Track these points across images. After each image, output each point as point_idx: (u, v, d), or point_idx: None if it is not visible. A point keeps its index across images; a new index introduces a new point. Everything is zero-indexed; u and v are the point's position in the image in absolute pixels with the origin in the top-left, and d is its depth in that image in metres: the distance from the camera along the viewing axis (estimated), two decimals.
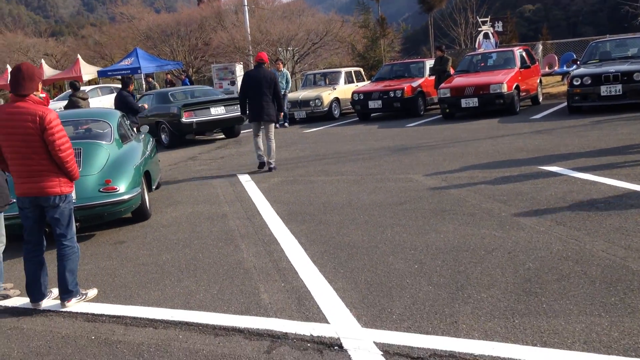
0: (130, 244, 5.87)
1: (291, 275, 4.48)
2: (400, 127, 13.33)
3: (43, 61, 36.72)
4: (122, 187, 6.20)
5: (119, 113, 7.44)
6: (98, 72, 33.10)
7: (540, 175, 6.99)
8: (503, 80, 12.93)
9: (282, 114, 11.48)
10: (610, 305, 3.44)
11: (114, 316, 4.05)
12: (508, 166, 7.70)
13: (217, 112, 13.51)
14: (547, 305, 3.52)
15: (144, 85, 25.66)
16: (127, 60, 32.04)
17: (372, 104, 15.00)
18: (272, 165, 9.29)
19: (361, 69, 19.44)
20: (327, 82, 17.70)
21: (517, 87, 13.31)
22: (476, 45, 20.43)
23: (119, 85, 31.05)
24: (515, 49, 14.95)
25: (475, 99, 13.00)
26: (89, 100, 25.51)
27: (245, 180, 8.72)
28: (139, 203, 6.47)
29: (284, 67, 14.51)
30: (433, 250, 4.73)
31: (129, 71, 31.47)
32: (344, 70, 18.01)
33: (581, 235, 4.71)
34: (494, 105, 13.01)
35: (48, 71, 35.62)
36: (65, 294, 4.32)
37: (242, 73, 13.57)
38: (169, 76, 32.01)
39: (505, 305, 3.60)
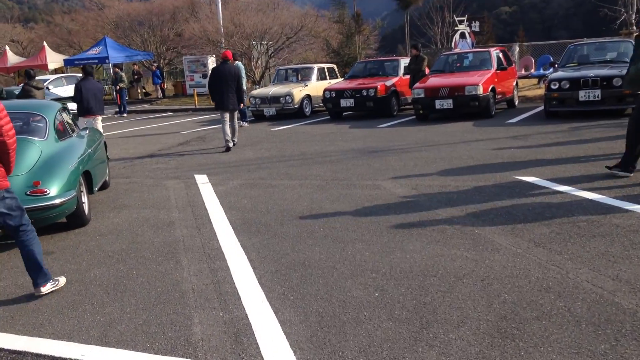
0: (59, 256, 5.18)
1: (233, 302, 3.87)
2: (372, 127, 12.78)
3: (7, 48, 35.30)
4: (54, 190, 5.51)
5: (57, 106, 6.71)
6: (64, 60, 31.91)
7: (516, 186, 6.49)
8: (479, 82, 12.47)
9: (243, 113, 13.33)
10: (600, 355, 2.91)
11: (13, 351, 3.39)
12: (482, 174, 7.19)
13: None
14: (525, 353, 2.98)
15: (112, 76, 24.67)
16: (95, 49, 30.93)
17: (344, 103, 14.42)
18: (234, 141, 11.19)
19: (334, 66, 18.86)
20: (299, 78, 17.08)
21: (493, 90, 12.87)
22: (452, 45, 20.02)
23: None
24: (492, 49, 14.52)
25: (450, 101, 12.51)
26: (49, 90, 24.50)
27: (203, 182, 8.06)
28: (73, 208, 5.78)
29: (236, 61, 13.68)
30: (397, 273, 4.17)
31: (97, 61, 30.44)
32: (316, 66, 17.40)
33: (563, 260, 4.19)
34: (469, 108, 12.55)
35: (12, 58, 34.30)
36: (41, 278, 4.20)
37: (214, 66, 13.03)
38: (136, 67, 31.07)
39: (477, 350, 3.04)
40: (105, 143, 8.27)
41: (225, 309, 3.77)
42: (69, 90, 27.51)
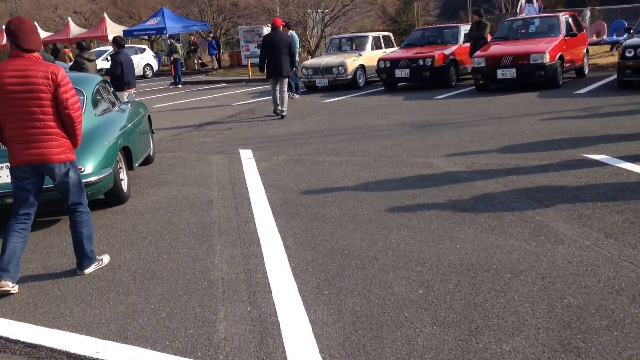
0: (93, 236, 5.00)
1: (262, 296, 3.56)
2: (428, 99, 12.15)
3: (70, 19, 36.05)
4: (89, 167, 5.33)
5: (97, 79, 6.52)
6: (124, 31, 32.24)
7: (585, 165, 5.87)
8: (545, 50, 11.59)
9: (294, 84, 13.38)
10: None
11: (29, 345, 3.19)
12: (546, 151, 6.58)
13: None
14: None
15: (167, 47, 24.74)
16: (152, 20, 31.11)
17: (399, 73, 13.79)
18: (284, 113, 11.11)
19: (391, 34, 18.11)
20: (353, 48, 16.49)
21: (561, 58, 11.94)
22: (517, 10, 18.84)
23: (144, 47, 30.43)
24: (560, 14, 13.47)
25: (513, 70, 11.70)
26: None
27: (247, 157, 7.78)
28: (110, 185, 5.60)
29: (290, 30, 13.36)
30: (445, 267, 3.74)
31: (155, 31, 30.76)
32: (371, 35, 16.73)
33: (638, 256, 3.65)
34: (534, 77, 11.71)
35: (74, 30, 34.99)
36: (85, 261, 4.15)
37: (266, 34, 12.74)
38: (192, 37, 31.10)
39: None
40: (149, 117, 8.10)
41: (253, 302, 3.47)
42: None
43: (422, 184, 5.74)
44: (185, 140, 9.56)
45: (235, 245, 4.49)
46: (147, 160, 7.70)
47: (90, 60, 11.34)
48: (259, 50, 11.69)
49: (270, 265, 4.02)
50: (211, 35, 30.69)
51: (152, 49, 34.23)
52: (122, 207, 5.82)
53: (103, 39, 32.83)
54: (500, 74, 11.86)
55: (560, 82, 12.01)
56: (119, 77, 9.51)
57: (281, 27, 11.33)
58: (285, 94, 11.17)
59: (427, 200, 5.19)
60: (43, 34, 36.10)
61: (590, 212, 4.52)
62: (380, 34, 17.37)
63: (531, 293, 3.29)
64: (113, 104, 6.76)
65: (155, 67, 28.81)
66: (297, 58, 13.26)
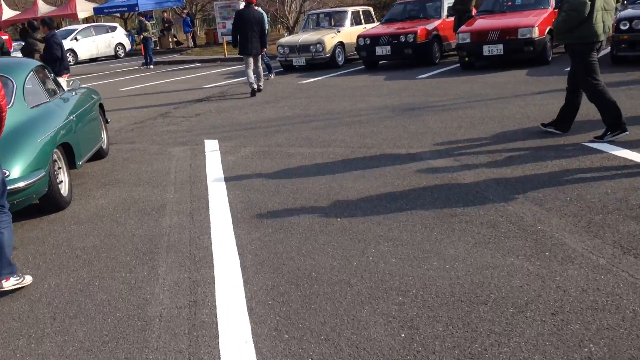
0: (19, 253, 4.26)
1: (207, 343, 2.85)
2: (410, 78, 11.40)
3: None
4: (17, 171, 4.56)
5: (33, 65, 5.69)
6: (94, 9, 30.93)
7: (585, 155, 5.22)
8: (534, 23, 10.87)
9: (266, 64, 12.65)
10: None
11: None
12: (541, 139, 5.91)
13: None
14: None
15: (137, 26, 23.63)
16: None
17: (380, 50, 13.00)
18: (261, 87, 11.27)
19: (371, 9, 17.25)
20: (332, 24, 15.63)
21: (551, 32, 11.23)
22: None
23: (115, 25, 29.14)
24: None
25: (500, 46, 10.98)
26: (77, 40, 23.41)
27: (212, 149, 7.02)
28: (44, 191, 4.83)
29: (257, 7, 12.47)
30: (432, 297, 3.06)
31: (126, 8, 29.45)
32: (350, 9, 15.86)
33: None
34: (523, 54, 11.00)
35: (43, 8, 33.48)
36: (6, 269, 3.57)
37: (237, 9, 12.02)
38: (166, 14, 29.88)
39: None
40: (101, 105, 7.28)
41: (194, 354, 2.76)
42: (97, 41, 26.82)
43: (405, 181, 5.04)
44: (148, 129, 8.75)
45: (184, 266, 3.77)
46: (100, 155, 6.92)
47: (42, 42, 10.38)
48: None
49: (222, 296, 3.31)
50: (185, 12, 29.48)
51: (125, 27, 32.96)
52: (60, 215, 5.06)
53: (73, 17, 31.49)
54: (486, 50, 11.13)
55: (550, 59, 11.33)
56: (60, 60, 8.63)
57: (254, 3, 11.14)
58: (260, 69, 11.27)
59: (410, 202, 4.50)
60: (10, 13, 34.63)
61: (600, 218, 3.86)
62: (360, 8, 16.51)
63: (541, 338, 2.62)
64: (53, 93, 5.94)
65: (128, 47, 27.59)
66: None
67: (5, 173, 4.41)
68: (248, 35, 10.66)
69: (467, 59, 11.59)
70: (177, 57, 23.22)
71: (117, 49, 26.93)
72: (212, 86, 13.25)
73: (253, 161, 6.24)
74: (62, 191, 5.20)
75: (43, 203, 5.00)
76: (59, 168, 5.30)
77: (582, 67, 5.57)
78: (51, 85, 6.03)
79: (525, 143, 5.85)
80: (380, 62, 13.93)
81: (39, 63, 5.98)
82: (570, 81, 5.85)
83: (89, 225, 4.74)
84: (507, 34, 10.95)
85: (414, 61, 13.22)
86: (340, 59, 14.53)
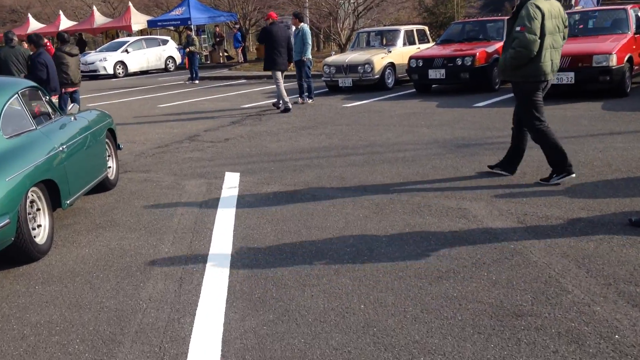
0: None
1: None
2: (466, 106, 10.24)
3: (95, 8, 34.97)
4: None
5: (20, 86, 4.87)
6: (148, 22, 30.99)
7: None
8: (611, 50, 9.55)
9: (307, 86, 12.03)
10: None
11: None
12: (630, 198, 4.69)
13: None
14: None
15: (185, 40, 23.26)
16: (177, 10, 29.73)
17: (433, 74, 11.87)
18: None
19: (426, 28, 16.16)
20: (383, 43, 14.63)
21: (630, 60, 9.88)
22: (573, 2, 16.65)
23: (167, 38, 28.99)
24: (628, 7, 11.33)
25: (571, 74, 9.69)
26: (97, 57, 23.11)
27: (230, 185, 6.09)
28: (8, 240, 3.98)
29: (301, 23, 11.76)
30: None
31: (179, 22, 29.31)
32: (403, 28, 14.81)
33: None
34: (597, 84, 9.69)
35: (99, 19, 33.94)
36: None
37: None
38: (218, 29, 29.57)
39: None
40: (112, 130, 6.46)
41: None
42: (148, 54, 26.63)
43: (453, 251, 3.94)
44: (169, 155, 7.92)
45: None
46: (105, 186, 6.09)
47: (72, 55, 9.79)
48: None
49: None
50: (237, 26, 29.08)
51: (180, 41, 32.89)
52: (30, 269, 4.19)
53: (127, 29, 31.63)
54: (555, 78, 9.85)
55: (629, 90, 9.96)
56: (45, 82, 7.94)
57: (293, 18, 11.83)
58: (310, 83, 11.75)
59: (459, 286, 3.40)
60: (68, 23, 35.21)
61: None
62: (414, 27, 15.46)
63: None
64: (45, 119, 5.13)
65: (178, 60, 27.32)
66: (309, 56, 11.61)
67: None
68: (278, 51, 10.88)
69: None
70: (224, 72, 22.71)
71: (168, 62, 26.72)
72: (250, 106, 12.42)
73: (272, 206, 5.26)
74: (37, 238, 4.35)
75: (10, 253, 4.15)
76: (37, 210, 4.46)
77: (526, 107, 5.30)
78: (44, 108, 5.23)
79: (611, 203, 4.65)
80: (433, 86, 12.80)
81: (30, 84, 5.18)
82: (516, 119, 5.63)
83: (57, 287, 3.84)
84: (579, 61, 9.66)
85: (470, 87, 12.03)
86: (389, 80, 13.49)
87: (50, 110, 5.30)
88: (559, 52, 5.28)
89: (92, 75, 24.62)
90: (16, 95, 4.72)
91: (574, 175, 5.25)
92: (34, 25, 35.93)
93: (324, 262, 3.93)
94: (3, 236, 3.90)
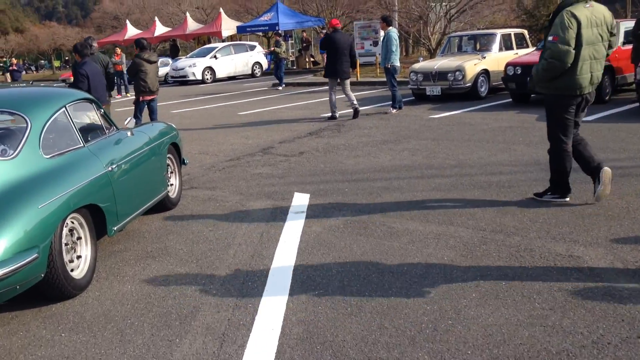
0: None
1: None
2: None
3: (188, 15, 35.79)
4: None
5: (69, 98, 4.42)
6: (237, 27, 31.24)
7: None
8: None
9: (392, 95, 11.39)
10: None
11: None
12: None
13: None
14: None
15: (273, 45, 23.03)
16: (266, 15, 29.75)
17: None
18: (355, 107, 10.89)
19: (525, 32, 14.87)
20: (477, 48, 13.56)
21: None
22: None
23: (254, 43, 29.03)
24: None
25: None
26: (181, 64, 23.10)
27: (297, 210, 5.44)
28: (38, 276, 3.51)
29: (389, 27, 11.12)
30: None
31: (267, 27, 29.28)
32: (499, 32, 13.64)
33: None
34: None
35: (191, 25, 34.69)
36: None
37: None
38: (304, 34, 29.30)
39: None
40: (176, 144, 5.99)
41: None
42: (236, 60, 26.71)
43: (565, 319, 3.05)
44: (239, 170, 7.40)
45: None
46: (164, 206, 5.62)
47: (150, 62, 9.57)
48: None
49: None
50: (324, 31, 28.64)
51: (268, 46, 32.97)
52: (62, 308, 3.70)
53: (217, 35, 32.06)
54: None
55: None
56: (86, 93, 7.56)
57: (381, 22, 11.61)
58: (350, 93, 10.88)
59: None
60: (162, 30, 36.27)
61: None
62: (512, 31, 14.23)
63: None
64: (97, 135, 4.69)
65: (265, 66, 27.26)
66: (394, 63, 10.86)
67: None
68: (338, 59, 10.61)
69: None
70: (309, 78, 22.31)
71: (255, 67, 26.70)
72: (330, 115, 11.77)
73: (341, 240, 4.55)
74: (75, 272, 3.88)
75: (42, 288, 3.69)
76: (78, 239, 3.99)
77: (554, 122, 4.88)
78: (97, 122, 4.80)
79: None
80: (532, 97, 11.60)
81: (83, 95, 4.76)
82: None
83: (84, 338, 3.32)
84: None
85: None
86: (482, 89, 12.41)
87: (104, 124, 4.86)
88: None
89: (182, 80, 24.99)
90: (63, 109, 4.29)
91: (567, 199, 5.02)
92: (132, 32, 37.34)
93: (395, 324, 3.16)
94: (30, 273, 3.43)
